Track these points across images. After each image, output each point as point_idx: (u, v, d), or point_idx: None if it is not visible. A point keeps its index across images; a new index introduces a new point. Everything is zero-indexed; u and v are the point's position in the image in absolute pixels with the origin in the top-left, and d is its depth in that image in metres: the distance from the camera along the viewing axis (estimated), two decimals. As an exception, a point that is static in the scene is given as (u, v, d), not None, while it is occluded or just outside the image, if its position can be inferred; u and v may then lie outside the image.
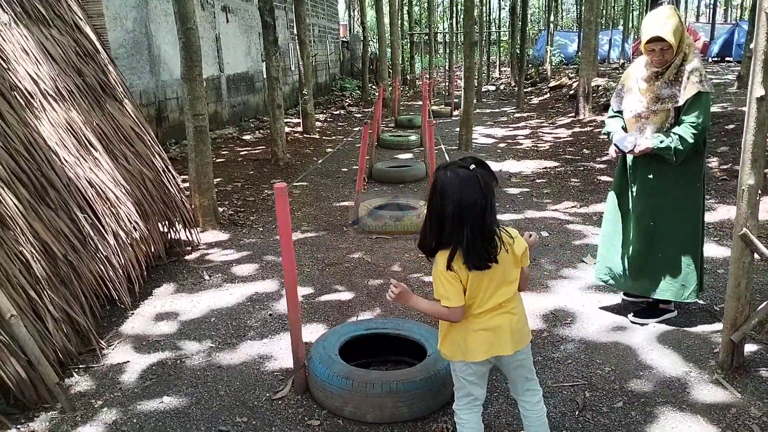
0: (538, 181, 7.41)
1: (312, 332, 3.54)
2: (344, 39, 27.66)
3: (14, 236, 3.06)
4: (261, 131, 12.36)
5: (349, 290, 4.20)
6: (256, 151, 9.96)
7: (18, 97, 3.56)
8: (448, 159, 5.84)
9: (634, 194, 3.40)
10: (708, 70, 17.12)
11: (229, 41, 13.40)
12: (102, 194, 3.93)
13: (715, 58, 25.97)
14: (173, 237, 5.01)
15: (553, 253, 4.78)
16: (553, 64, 22.48)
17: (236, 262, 4.79)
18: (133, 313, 3.88)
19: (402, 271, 4.53)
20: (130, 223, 4.14)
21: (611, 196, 3.57)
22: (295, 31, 11.92)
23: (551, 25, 23.26)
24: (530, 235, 2.24)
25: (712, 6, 30.47)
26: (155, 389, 3.01)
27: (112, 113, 4.55)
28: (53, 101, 3.90)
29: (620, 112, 3.46)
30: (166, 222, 4.83)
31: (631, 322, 3.55)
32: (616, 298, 3.87)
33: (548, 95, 17.07)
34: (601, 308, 3.77)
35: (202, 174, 5.63)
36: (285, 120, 13.86)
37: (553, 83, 18.11)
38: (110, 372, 3.18)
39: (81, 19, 4.78)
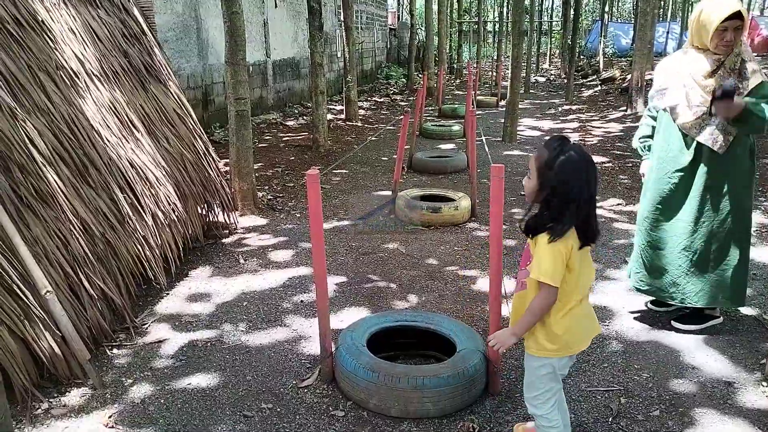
0: (583, 176, 7.19)
1: (342, 321, 3.51)
2: (392, 26, 27.49)
3: (54, 214, 3.12)
4: (305, 117, 12.41)
5: (383, 280, 4.16)
6: (299, 137, 10.00)
7: (63, 76, 3.62)
8: (487, 151, 5.71)
9: (695, 197, 3.14)
10: (771, 65, 16.33)
11: (277, 27, 13.46)
12: (142, 175, 3.98)
13: (779, 54, 24.76)
14: (212, 220, 5.06)
15: (594, 252, 4.62)
16: (607, 55, 21.85)
17: (272, 248, 4.80)
18: (168, 293, 3.93)
19: (438, 263, 4.46)
20: (169, 204, 4.19)
21: (653, 201, 3.30)
22: (342, 18, 11.88)
23: (606, 16, 22.57)
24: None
25: (778, -2, 29.06)
26: (185, 370, 3.03)
27: (156, 95, 4.60)
28: (98, 81, 3.96)
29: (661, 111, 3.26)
30: (205, 205, 4.88)
31: (675, 329, 3.38)
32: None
33: (599, 88, 16.61)
34: (644, 311, 3.62)
35: (243, 158, 5.66)
36: (329, 107, 13.90)
37: (604, 75, 17.60)
38: (142, 351, 3.22)
39: (128, 1, 4.84)
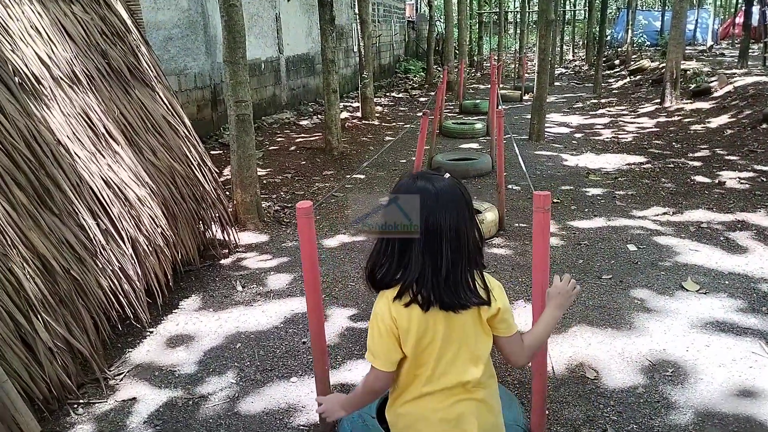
0: (620, 179, 6.54)
1: (350, 370, 2.95)
2: (410, 19, 26.79)
3: (1, 250, 2.59)
4: (319, 116, 11.84)
5: (399, 312, 3.58)
6: (312, 139, 9.44)
7: (22, 82, 3.09)
8: (517, 151, 5.12)
9: None
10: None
11: (290, 21, 12.90)
12: (120, 195, 3.45)
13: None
14: (209, 237, 4.53)
15: (643, 274, 4.00)
16: (635, 44, 20.93)
17: (273, 271, 4.25)
18: (150, 332, 3.40)
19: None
20: (156, 227, 3.66)
21: None
22: (357, 10, 11.29)
23: (634, 3, 21.64)
24: (560, 279, 1.64)
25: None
26: (158, 441, 2.50)
27: (141, 100, 4.07)
28: (68, 87, 3.44)
29: None
30: (200, 222, 4.35)
31: None
32: (734, 341, 3.09)
33: (628, 79, 15.79)
34: (714, 356, 3.00)
35: (245, 167, 5.12)
36: (345, 104, 13.34)
37: (633, 66, 16.75)
38: (112, 413, 2.69)
39: (112, -5, 4.31)
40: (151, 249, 3.56)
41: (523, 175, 6.70)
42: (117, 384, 2.91)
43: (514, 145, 5.28)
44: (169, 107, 4.36)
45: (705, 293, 3.67)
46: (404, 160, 7.84)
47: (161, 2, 8.34)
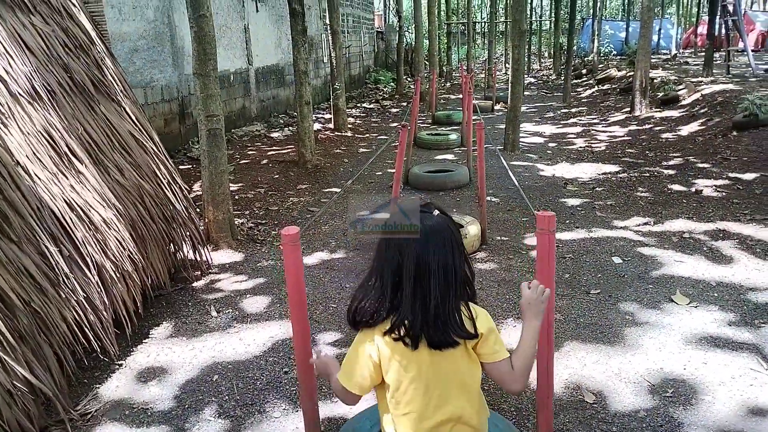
0: (598, 189, 6.50)
1: (336, 401, 2.77)
2: (379, 29, 26.77)
3: (-48, 285, 2.36)
4: (290, 128, 11.65)
5: (384, 335, 3.42)
6: (285, 151, 9.24)
7: (-24, 100, 2.87)
8: (504, 163, 5.00)
9: None
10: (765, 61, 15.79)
11: (259, 31, 12.70)
12: (85, 218, 3.22)
13: (773, 49, 24.22)
14: (180, 259, 4.31)
15: (631, 288, 3.91)
16: (602, 54, 21.24)
17: (250, 293, 4.05)
18: (119, 365, 3.17)
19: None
20: (123, 251, 3.44)
21: None
22: (328, 21, 11.15)
23: (599, 13, 21.98)
24: (528, 286, 1.63)
25: (769, -8, 28.61)
26: (130, 489, 2.29)
27: (107, 116, 3.84)
28: (27, 104, 3.21)
29: None
30: (171, 244, 4.13)
31: None
32: (730, 357, 3.00)
33: (597, 88, 15.96)
34: (713, 374, 2.90)
35: (217, 184, 4.91)
36: (317, 115, 13.15)
37: (600, 75, 16.95)
38: (77, 458, 2.47)
39: (74, 6, 4.08)
40: (118, 275, 3.33)
41: (501, 186, 6.63)
42: (84, 425, 2.68)
43: (500, 156, 5.19)
44: (136, 123, 4.15)
45: (695, 306, 3.60)
46: (380, 173, 7.70)
47: (126, 13, 8.08)
